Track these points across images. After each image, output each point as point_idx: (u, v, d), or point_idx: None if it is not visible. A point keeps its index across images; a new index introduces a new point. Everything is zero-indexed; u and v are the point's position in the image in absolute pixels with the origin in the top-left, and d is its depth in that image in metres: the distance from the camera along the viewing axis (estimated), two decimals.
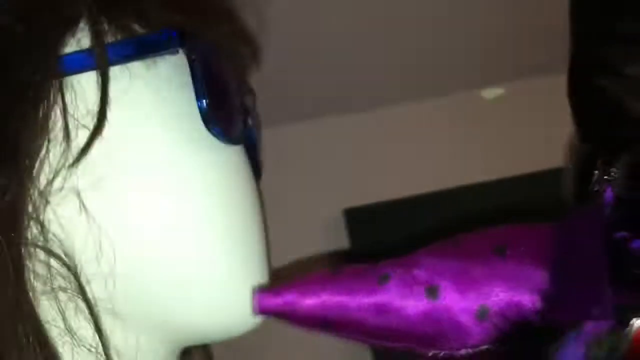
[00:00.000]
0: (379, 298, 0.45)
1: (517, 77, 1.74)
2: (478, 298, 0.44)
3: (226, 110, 0.43)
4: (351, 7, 1.38)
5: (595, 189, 0.45)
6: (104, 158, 0.38)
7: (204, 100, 0.40)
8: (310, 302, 0.45)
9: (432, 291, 0.44)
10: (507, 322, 0.43)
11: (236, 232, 0.43)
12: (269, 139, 1.90)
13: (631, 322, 0.41)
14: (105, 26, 0.39)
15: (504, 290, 0.43)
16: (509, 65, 1.71)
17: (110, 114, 0.38)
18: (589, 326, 0.40)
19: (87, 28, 0.39)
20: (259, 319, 0.45)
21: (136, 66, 0.40)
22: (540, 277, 0.42)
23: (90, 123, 0.38)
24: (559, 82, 1.91)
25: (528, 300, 0.43)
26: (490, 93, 1.79)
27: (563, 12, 1.69)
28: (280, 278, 0.47)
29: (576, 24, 0.48)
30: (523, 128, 1.74)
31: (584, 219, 0.44)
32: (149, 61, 0.40)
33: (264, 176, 1.88)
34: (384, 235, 1.40)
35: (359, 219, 1.68)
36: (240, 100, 0.45)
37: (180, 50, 0.40)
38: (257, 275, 0.45)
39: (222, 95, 0.43)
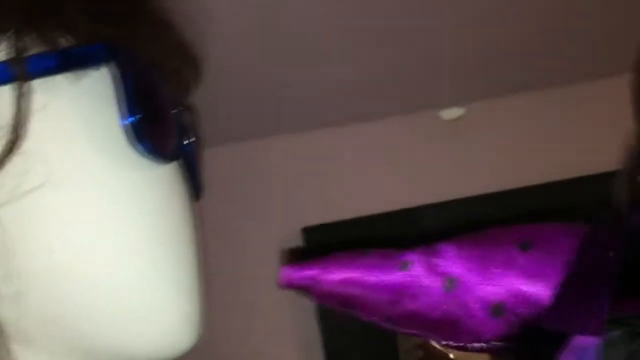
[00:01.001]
0: (398, 282, 0.45)
1: (477, 98, 1.78)
2: (495, 292, 0.44)
3: (155, 126, 0.40)
4: (312, 24, 1.39)
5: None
6: (19, 173, 0.36)
7: (131, 117, 0.38)
8: (333, 277, 0.45)
9: (450, 281, 0.45)
10: (520, 321, 0.44)
11: (162, 254, 0.40)
12: (229, 156, 1.89)
13: None
14: (30, 39, 0.37)
15: (522, 285, 0.43)
16: (469, 86, 1.74)
17: (30, 128, 0.36)
18: (578, 340, 0.41)
19: (12, 40, 0.37)
20: (186, 345, 0.41)
21: (60, 80, 0.38)
22: (560, 277, 0.43)
23: (6, 137, 0.35)
24: (516, 103, 1.94)
25: (545, 297, 0.43)
26: (450, 113, 1.82)
27: (522, 36, 1.72)
28: None
29: None
30: (481, 148, 1.77)
31: (611, 228, 0.44)
32: (74, 75, 0.38)
33: (223, 193, 1.85)
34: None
35: (317, 237, 1.68)
36: (174, 116, 0.43)
37: (107, 65, 0.38)
38: (187, 298, 0.42)
39: (151, 111, 0.40)
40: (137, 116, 0.38)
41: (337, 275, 0.45)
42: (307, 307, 1.62)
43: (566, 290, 0.42)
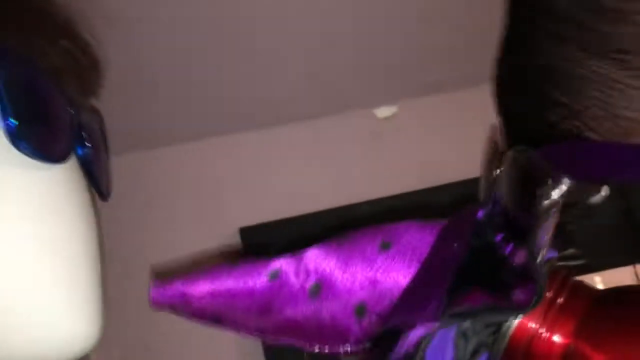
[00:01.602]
0: (266, 291, 0.45)
1: (410, 95, 1.79)
2: (357, 293, 0.45)
3: (40, 126, 0.40)
4: (243, 21, 1.38)
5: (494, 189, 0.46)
6: None
7: (8, 116, 0.37)
8: (200, 290, 0.45)
9: (315, 287, 0.45)
10: (381, 320, 0.45)
11: (56, 254, 0.40)
12: (163, 160, 1.88)
13: (507, 323, 0.43)
14: None
15: (380, 285, 0.44)
16: (401, 84, 1.75)
17: None
18: (418, 329, 0.42)
19: None
20: (85, 346, 0.42)
21: None
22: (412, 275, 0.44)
23: None
24: (450, 100, 1.96)
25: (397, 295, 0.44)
26: (384, 111, 1.83)
27: (453, 32, 1.74)
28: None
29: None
30: (415, 145, 1.79)
31: (459, 220, 0.45)
32: None
33: (161, 194, 1.84)
34: (278, 253, 1.41)
35: (254, 236, 1.68)
36: (68, 117, 0.42)
37: None
38: (86, 299, 0.42)
39: (35, 110, 0.40)
40: (14, 115, 0.37)
41: (204, 288, 0.45)
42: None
43: (411, 283, 0.43)
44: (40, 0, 0.44)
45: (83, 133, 0.44)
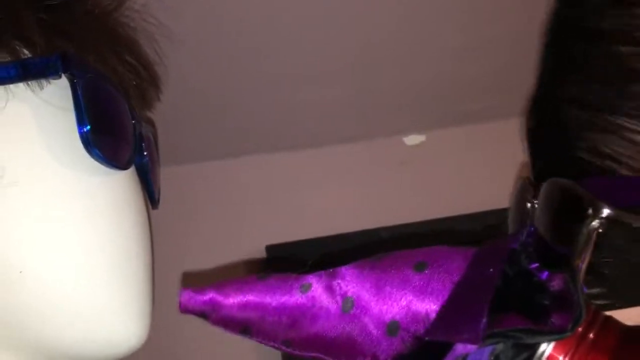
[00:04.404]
0: (297, 305, 0.44)
1: (438, 125, 1.79)
2: (390, 311, 0.43)
3: (111, 135, 0.42)
4: (283, 48, 1.39)
5: (527, 220, 0.46)
6: None
7: (85, 125, 0.39)
8: (232, 301, 0.44)
9: (347, 302, 0.44)
10: (414, 339, 0.43)
11: (115, 255, 0.42)
12: (198, 175, 1.89)
13: (541, 350, 0.41)
14: None
15: (415, 304, 0.43)
16: (431, 114, 1.75)
17: None
18: (459, 348, 0.40)
19: None
20: (134, 343, 0.43)
21: (19, 88, 0.39)
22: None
23: None
24: (477, 132, 1.97)
25: (434, 315, 0.43)
26: (412, 140, 1.83)
27: (484, 67, 1.75)
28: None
29: (545, 61, 0.49)
30: (442, 173, 1.78)
31: (494, 247, 0.44)
32: (33, 83, 0.39)
33: (190, 210, 1.86)
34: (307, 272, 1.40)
35: (280, 254, 1.67)
36: (132, 127, 0.44)
37: (64, 75, 0.39)
38: (138, 299, 0.43)
39: (107, 120, 0.42)
40: (90, 125, 0.39)
41: (235, 300, 0.44)
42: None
43: (448, 303, 0.42)
44: (112, 22, 0.46)
45: (142, 144, 0.46)
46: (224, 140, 1.71)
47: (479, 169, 1.75)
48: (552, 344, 0.41)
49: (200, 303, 0.44)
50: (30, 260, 0.38)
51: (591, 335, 0.43)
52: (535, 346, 0.41)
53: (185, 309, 0.45)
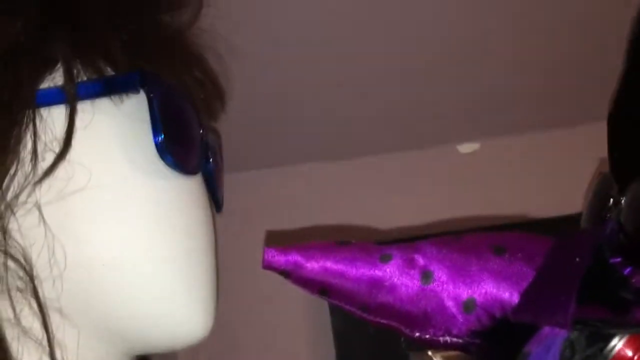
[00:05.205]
0: (377, 274, 0.45)
1: (492, 134, 1.79)
2: (468, 289, 0.44)
3: (182, 144, 0.45)
4: (336, 58, 1.41)
5: (607, 215, 0.46)
6: (65, 178, 0.41)
7: (159, 134, 0.43)
8: (313, 265, 0.45)
9: (426, 276, 0.45)
10: (490, 318, 0.44)
11: (184, 251, 0.45)
12: (262, 181, 1.90)
13: (612, 344, 0.41)
14: (78, 67, 0.43)
15: (493, 285, 0.43)
16: (484, 123, 1.75)
17: (75, 142, 0.41)
18: (546, 330, 0.41)
19: (62, 68, 0.42)
20: (201, 333, 0.45)
21: (103, 102, 0.43)
22: (529, 280, 0.43)
23: (57, 147, 0.41)
24: (530, 140, 1.94)
25: (514, 299, 0.43)
26: (466, 148, 1.82)
27: (538, 78, 1.73)
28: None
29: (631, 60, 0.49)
30: (495, 181, 1.77)
31: (579, 237, 0.44)
32: (115, 98, 0.43)
33: (253, 213, 1.87)
34: None
35: None
36: (199, 136, 0.47)
37: (142, 90, 0.43)
38: (204, 293, 0.46)
39: (179, 130, 0.45)
40: (169, 133, 0.43)
41: (318, 264, 0.45)
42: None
43: (535, 287, 0.42)
44: (183, 41, 0.50)
45: (209, 152, 0.50)
46: (284, 148, 1.75)
47: (532, 177, 1.74)
48: (624, 339, 0.41)
49: (283, 262, 0.45)
50: (110, 253, 0.42)
51: None
52: (609, 339, 0.41)
53: (268, 266, 0.46)
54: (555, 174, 1.70)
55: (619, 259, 0.43)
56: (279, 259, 0.45)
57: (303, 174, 1.83)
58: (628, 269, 0.42)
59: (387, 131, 1.73)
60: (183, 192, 0.45)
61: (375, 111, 1.63)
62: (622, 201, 0.45)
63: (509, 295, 0.43)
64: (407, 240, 1.54)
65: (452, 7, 1.29)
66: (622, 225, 0.44)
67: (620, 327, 0.40)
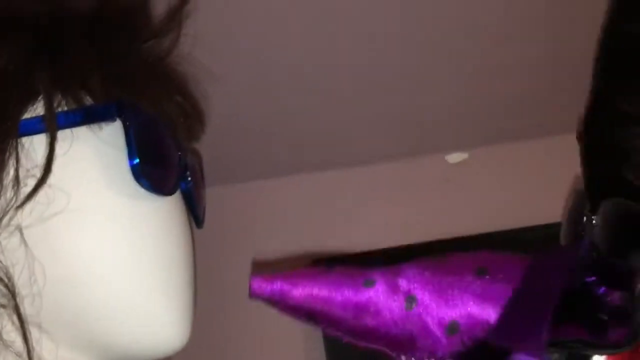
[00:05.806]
0: (362, 299, 0.46)
1: (480, 143, 1.78)
2: (451, 312, 0.44)
3: (158, 167, 0.47)
4: (322, 68, 1.42)
5: (582, 231, 0.47)
6: (46, 202, 0.42)
7: (134, 159, 0.45)
8: (299, 292, 0.46)
9: (410, 300, 0.45)
10: (472, 340, 0.44)
11: (162, 267, 0.46)
12: (248, 194, 1.91)
13: None
14: (59, 97, 0.45)
15: (476, 307, 0.44)
16: (472, 132, 1.75)
17: (55, 167, 0.43)
18: (519, 357, 0.41)
19: (45, 99, 0.44)
20: (176, 344, 0.47)
21: (82, 130, 0.45)
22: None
23: (38, 173, 0.42)
24: (518, 149, 1.94)
25: (495, 320, 0.43)
26: (455, 157, 1.82)
27: (524, 83, 1.73)
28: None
29: (598, 78, 0.49)
30: (484, 191, 1.77)
31: (554, 259, 0.45)
32: (94, 126, 0.45)
33: (241, 226, 1.87)
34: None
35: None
36: (177, 158, 0.49)
37: (118, 119, 0.45)
38: (181, 307, 0.47)
39: (155, 155, 0.47)
40: (139, 159, 0.45)
41: (303, 291, 0.46)
42: (316, 336, 1.62)
43: (509, 312, 0.42)
44: (163, 68, 0.52)
45: (187, 172, 0.51)
46: (270, 161, 1.76)
47: (520, 186, 1.74)
48: (604, 357, 0.42)
49: (269, 291, 0.46)
50: (88, 272, 0.43)
51: None
52: (589, 358, 0.42)
53: (255, 296, 0.46)
54: (544, 182, 1.70)
55: (593, 278, 0.43)
56: (265, 288, 0.46)
57: (291, 184, 1.83)
58: (602, 289, 0.42)
59: (374, 141, 1.73)
60: (160, 211, 0.47)
61: (361, 122, 1.63)
62: (594, 219, 0.46)
63: (491, 316, 0.44)
64: (393, 252, 1.54)
65: (440, 18, 1.30)
66: (595, 244, 0.44)
67: (597, 349, 0.40)
